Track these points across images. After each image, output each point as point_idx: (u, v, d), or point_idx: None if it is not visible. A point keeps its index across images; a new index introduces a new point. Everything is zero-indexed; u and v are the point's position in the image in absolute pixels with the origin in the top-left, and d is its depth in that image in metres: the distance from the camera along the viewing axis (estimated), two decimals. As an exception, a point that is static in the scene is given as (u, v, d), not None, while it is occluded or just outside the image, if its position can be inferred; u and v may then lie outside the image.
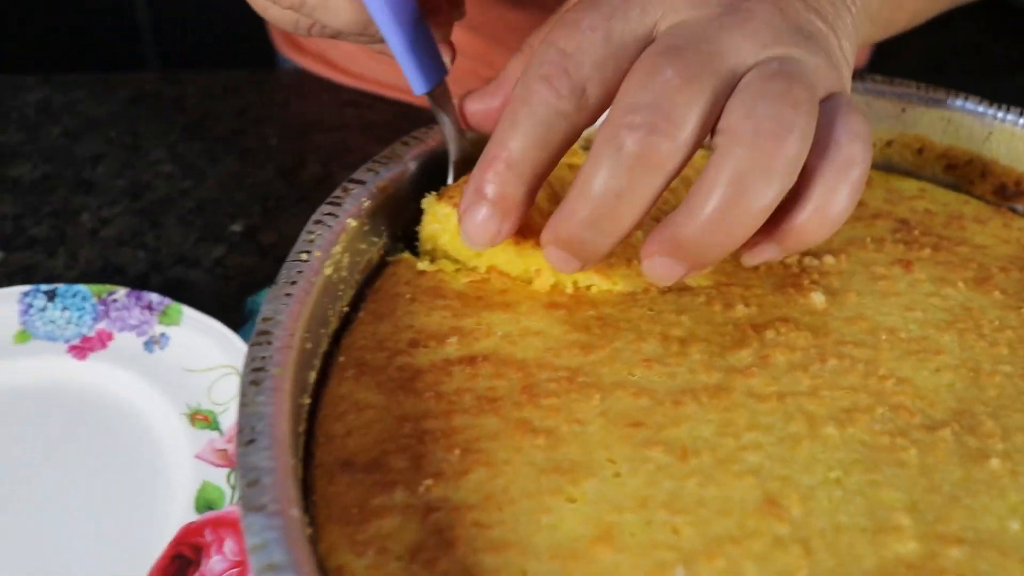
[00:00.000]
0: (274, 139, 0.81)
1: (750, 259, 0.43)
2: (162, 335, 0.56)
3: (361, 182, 0.48)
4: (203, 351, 0.54)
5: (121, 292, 0.57)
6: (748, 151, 0.36)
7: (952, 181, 0.63)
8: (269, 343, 0.38)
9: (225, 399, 0.52)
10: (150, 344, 0.55)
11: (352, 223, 0.46)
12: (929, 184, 0.62)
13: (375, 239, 0.49)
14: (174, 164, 0.78)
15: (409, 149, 0.51)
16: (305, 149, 0.79)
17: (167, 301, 0.57)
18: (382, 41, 0.48)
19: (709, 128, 0.37)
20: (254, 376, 0.36)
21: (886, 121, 0.63)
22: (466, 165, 0.49)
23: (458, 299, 0.47)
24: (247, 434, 0.34)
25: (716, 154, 0.36)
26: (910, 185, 0.62)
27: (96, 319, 0.56)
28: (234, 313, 0.61)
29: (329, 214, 0.46)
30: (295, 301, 0.40)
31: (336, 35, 0.50)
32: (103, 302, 0.57)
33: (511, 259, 0.48)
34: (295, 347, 0.39)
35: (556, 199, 0.49)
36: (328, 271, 0.44)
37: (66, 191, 0.75)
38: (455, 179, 0.52)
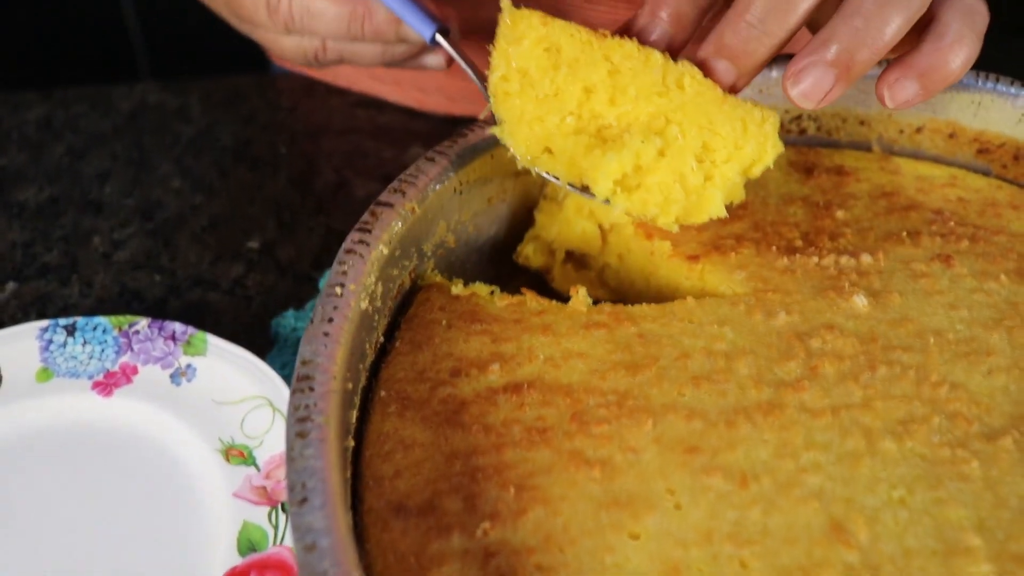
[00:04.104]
0: (283, 147, 0.79)
1: (892, 97, 0.46)
2: (188, 366, 0.54)
3: (389, 204, 0.47)
4: (232, 381, 0.53)
5: (143, 323, 0.56)
6: None
7: (984, 165, 0.62)
8: (311, 389, 0.37)
9: (258, 432, 0.51)
10: (177, 376, 0.54)
11: (384, 250, 0.45)
12: (960, 171, 0.61)
13: (406, 263, 0.48)
14: (183, 179, 0.76)
15: (434, 165, 0.50)
16: (316, 156, 0.78)
17: (191, 330, 0.55)
18: (382, 43, 0.53)
19: None
20: (300, 427, 0.35)
21: (914, 107, 0.61)
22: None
23: (496, 323, 0.46)
24: (299, 492, 0.33)
25: None
26: (940, 172, 0.61)
27: (119, 352, 0.55)
28: (259, 336, 0.60)
29: (360, 242, 0.44)
30: (332, 341, 0.39)
31: (340, 54, 0.55)
32: (124, 334, 0.56)
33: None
34: (337, 390, 0.38)
35: (540, 99, 0.47)
36: (363, 304, 0.42)
37: (75, 213, 0.73)
38: (490, 98, 0.49)
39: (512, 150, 0.49)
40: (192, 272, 0.67)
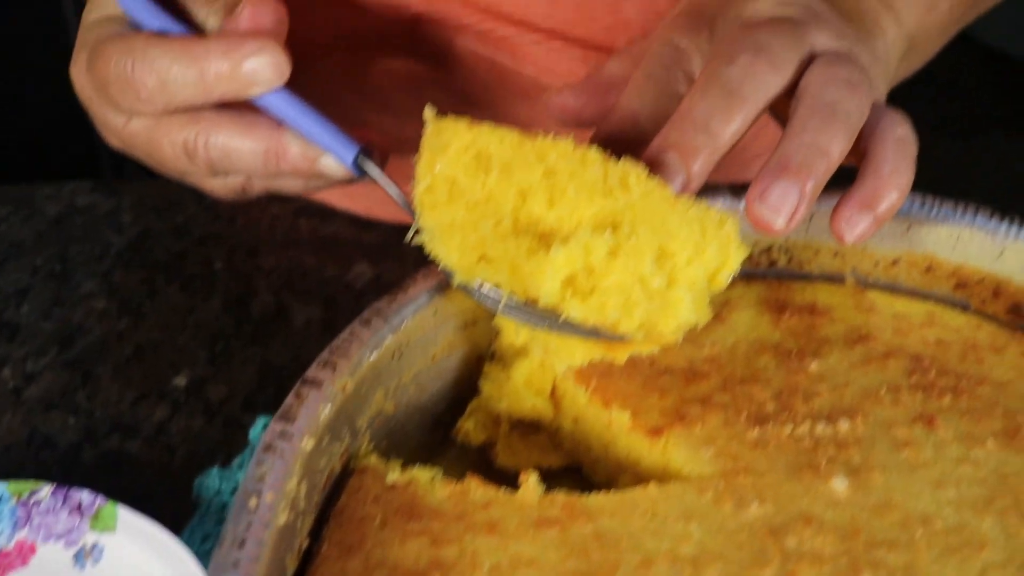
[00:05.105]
0: (219, 263, 0.74)
1: (850, 232, 0.47)
2: (95, 545, 0.48)
3: (317, 384, 0.42)
4: (143, 566, 0.47)
5: (45, 491, 0.50)
6: (836, 89, 0.46)
7: (962, 300, 0.58)
8: (213, 645, 0.32)
9: (170, 634, 0.45)
10: (81, 557, 0.48)
11: (310, 444, 0.40)
12: (937, 307, 0.57)
13: (336, 446, 0.43)
14: (108, 298, 0.71)
15: (369, 329, 0.45)
16: (254, 274, 0.72)
17: (100, 500, 0.50)
18: (307, 178, 0.51)
19: (794, 80, 0.47)
20: None
21: (890, 240, 0.58)
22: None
23: (436, 519, 0.41)
24: None
25: (807, 96, 0.46)
26: (917, 309, 0.57)
27: (15, 527, 0.49)
28: (181, 496, 0.54)
29: (282, 435, 0.39)
30: (243, 574, 0.34)
31: (266, 187, 0.54)
32: (23, 504, 0.50)
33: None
34: (246, 642, 0.32)
35: (471, 205, 0.44)
36: (283, 518, 0.37)
37: (-13, 338, 0.67)
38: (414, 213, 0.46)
39: (443, 262, 0.44)
40: (112, 413, 0.61)
